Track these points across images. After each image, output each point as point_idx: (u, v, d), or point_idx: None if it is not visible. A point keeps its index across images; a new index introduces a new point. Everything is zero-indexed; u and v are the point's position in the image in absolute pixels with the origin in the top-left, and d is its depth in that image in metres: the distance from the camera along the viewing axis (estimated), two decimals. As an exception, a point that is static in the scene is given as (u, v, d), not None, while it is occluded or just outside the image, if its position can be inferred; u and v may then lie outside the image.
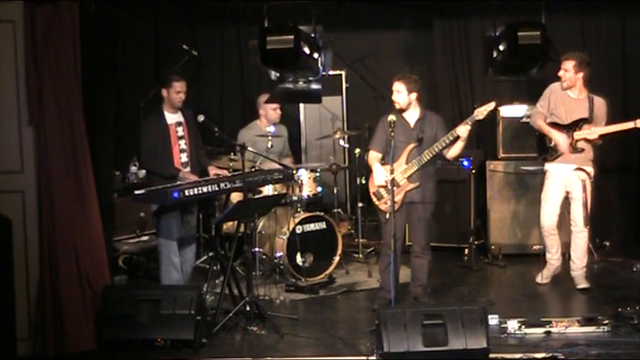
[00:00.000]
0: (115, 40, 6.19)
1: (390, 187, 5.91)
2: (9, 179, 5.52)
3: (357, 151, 8.07)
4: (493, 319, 5.73)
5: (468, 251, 7.86)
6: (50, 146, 5.52)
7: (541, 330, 5.68)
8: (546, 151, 6.84)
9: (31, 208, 5.55)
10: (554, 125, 6.78)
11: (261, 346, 5.66)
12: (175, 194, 5.86)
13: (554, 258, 6.96)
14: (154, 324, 5.58)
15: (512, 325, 5.72)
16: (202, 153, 6.78)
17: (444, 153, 6.23)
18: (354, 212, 8.29)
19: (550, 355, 5.26)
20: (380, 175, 6.19)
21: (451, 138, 6.12)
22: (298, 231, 7.21)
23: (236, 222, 6.50)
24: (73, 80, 5.60)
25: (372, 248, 8.06)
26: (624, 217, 8.48)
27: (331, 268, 7.35)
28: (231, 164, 7.29)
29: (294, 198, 7.36)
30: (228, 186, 6.25)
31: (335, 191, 7.98)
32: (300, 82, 6.86)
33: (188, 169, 6.47)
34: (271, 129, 7.68)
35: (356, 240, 8.01)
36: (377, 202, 6.30)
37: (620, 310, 5.82)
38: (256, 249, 7.25)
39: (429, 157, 6.16)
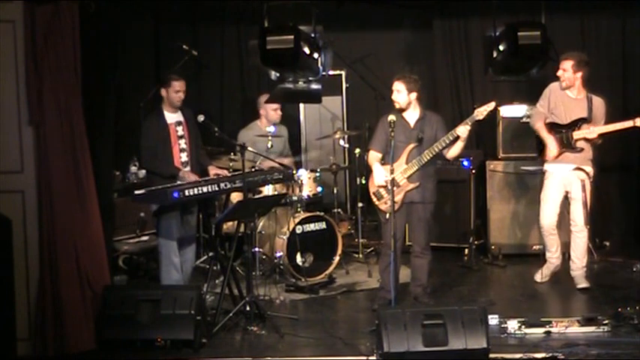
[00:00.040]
0: (115, 40, 6.20)
1: (390, 187, 5.91)
2: (9, 179, 5.52)
3: (357, 151, 8.07)
4: (493, 319, 5.73)
5: (468, 251, 7.86)
6: (50, 146, 5.52)
7: (541, 330, 5.68)
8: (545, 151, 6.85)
9: (31, 208, 5.55)
10: (554, 125, 6.79)
11: (261, 346, 5.66)
12: (175, 194, 5.86)
13: (553, 257, 6.96)
14: (154, 324, 5.58)
15: (512, 325, 5.72)
16: (202, 153, 6.78)
17: (444, 153, 6.23)
18: (354, 212, 8.29)
19: (550, 355, 5.26)
20: (380, 175, 6.19)
21: (451, 138, 6.12)
22: (298, 231, 7.21)
23: (236, 222, 6.50)
24: (73, 80, 5.60)
25: (372, 248, 8.06)
26: (624, 217, 8.49)
27: (331, 268, 7.35)
28: (231, 164, 7.29)
29: (294, 198, 7.36)
30: (228, 186, 6.25)
31: (335, 191, 7.98)
32: (300, 82, 6.86)
33: (188, 168, 6.48)
34: (271, 129, 7.68)
35: (356, 240, 8.01)
36: (377, 202, 6.30)
37: (620, 310, 5.82)
38: (256, 249, 7.25)
39: (429, 157, 6.16)
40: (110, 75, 6.19)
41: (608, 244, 8.18)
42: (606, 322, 5.71)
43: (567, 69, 6.67)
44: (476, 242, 7.90)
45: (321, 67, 6.65)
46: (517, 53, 6.29)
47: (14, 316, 5.23)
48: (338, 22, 8.25)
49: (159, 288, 6.11)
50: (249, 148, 6.43)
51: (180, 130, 6.50)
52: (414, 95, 6.22)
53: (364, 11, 8.85)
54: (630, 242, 8.27)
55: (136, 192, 6.07)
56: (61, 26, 5.49)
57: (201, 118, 6.32)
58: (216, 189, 6.18)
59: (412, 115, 6.28)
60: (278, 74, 6.77)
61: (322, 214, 7.47)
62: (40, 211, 5.54)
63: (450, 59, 8.70)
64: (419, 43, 9.03)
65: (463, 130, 6.09)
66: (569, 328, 5.70)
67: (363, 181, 7.85)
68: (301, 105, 8.94)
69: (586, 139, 6.70)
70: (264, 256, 7.38)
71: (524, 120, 7.72)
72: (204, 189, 6.06)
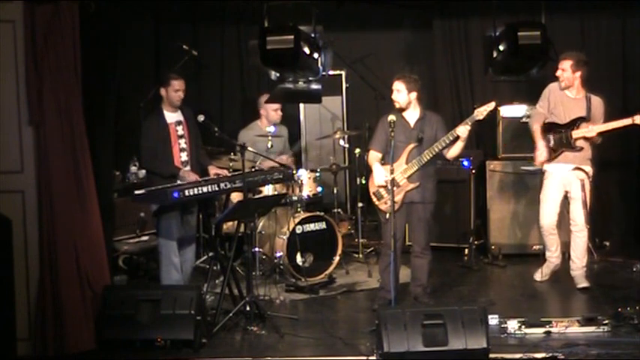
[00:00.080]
0: (115, 40, 6.19)
1: (390, 187, 5.91)
2: (9, 179, 5.52)
3: (357, 151, 8.07)
4: (493, 319, 5.73)
5: (468, 251, 7.86)
6: (50, 146, 5.52)
7: (541, 330, 5.68)
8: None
9: (31, 208, 5.55)
10: (553, 125, 6.80)
11: (261, 346, 5.66)
12: (175, 194, 5.86)
13: (553, 256, 6.97)
14: (154, 324, 5.58)
15: (512, 325, 5.72)
16: (202, 153, 6.78)
17: (443, 153, 6.23)
18: (354, 212, 8.29)
19: (550, 355, 5.26)
20: (380, 175, 6.19)
21: (451, 138, 6.12)
22: (298, 231, 7.21)
23: (236, 222, 6.50)
24: (73, 80, 5.60)
25: (372, 248, 8.06)
26: (624, 217, 8.49)
27: (331, 268, 7.35)
28: (231, 164, 7.29)
29: (294, 198, 7.36)
30: (228, 186, 6.25)
31: (335, 191, 7.98)
32: (300, 82, 6.86)
33: (188, 167, 6.47)
34: (271, 129, 7.68)
35: (356, 240, 8.01)
36: (377, 202, 6.30)
37: (620, 310, 5.82)
38: (256, 249, 7.25)
39: (429, 157, 6.16)
40: (110, 75, 6.18)
41: (608, 244, 8.18)
42: (606, 322, 5.72)
43: (566, 69, 6.68)
44: (476, 242, 7.90)
45: (321, 67, 6.64)
46: (517, 53, 6.28)
47: (14, 316, 5.23)
48: (338, 22, 8.25)
49: (159, 288, 6.11)
50: (249, 148, 6.43)
51: (180, 130, 6.50)
52: (414, 95, 6.22)
53: (364, 11, 8.85)
54: (630, 242, 8.27)
55: (136, 192, 6.07)
56: (61, 26, 5.49)
57: (201, 118, 6.33)
58: (216, 189, 6.18)
59: (412, 115, 6.28)
60: (278, 74, 6.76)
61: (322, 214, 7.47)
62: (40, 211, 5.54)
63: (450, 59, 8.70)
64: (419, 43, 9.03)
65: (463, 130, 6.09)
66: (569, 328, 5.70)
67: (363, 181, 7.85)
68: (301, 105, 8.93)
69: (585, 138, 6.70)
70: (264, 256, 7.38)
71: (524, 120, 7.72)
72: (204, 189, 6.06)
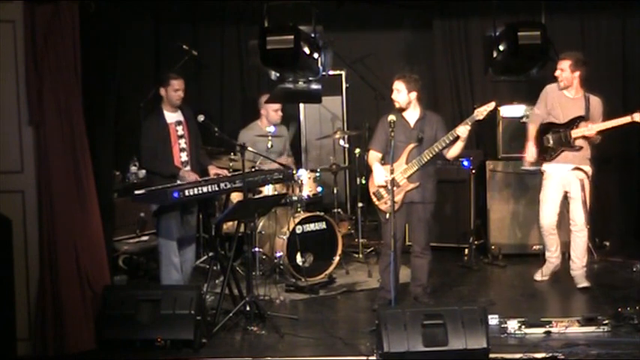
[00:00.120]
0: (115, 40, 6.19)
1: (390, 187, 5.91)
2: (9, 179, 5.52)
3: (357, 151, 8.07)
4: (493, 319, 5.73)
5: (468, 251, 7.86)
6: (50, 146, 5.52)
7: (541, 330, 5.68)
8: (545, 151, 6.85)
9: (31, 208, 5.55)
10: (552, 124, 6.80)
11: (261, 346, 5.66)
12: (175, 194, 5.86)
13: (553, 256, 6.97)
14: (154, 324, 5.57)
15: (512, 325, 5.72)
16: (202, 153, 6.78)
17: (443, 153, 6.23)
18: (354, 212, 8.29)
19: (550, 355, 5.26)
20: (380, 175, 6.18)
21: (451, 138, 6.12)
22: (298, 231, 7.21)
23: (236, 222, 6.50)
24: (73, 80, 5.60)
25: (372, 248, 8.06)
26: (624, 217, 8.49)
27: (331, 268, 7.35)
28: (231, 164, 7.29)
29: (294, 198, 7.36)
30: (228, 186, 6.25)
31: (335, 191, 7.98)
32: (300, 82, 6.86)
33: (188, 168, 6.47)
34: (271, 129, 7.68)
35: (356, 240, 8.01)
36: (377, 202, 6.30)
37: (620, 310, 5.82)
38: (256, 249, 7.25)
39: (429, 157, 6.16)
40: (110, 75, 6.18)
41: (608, 244, 8.18)
42: (606, 322, 5.71)
43: (565, 69, 6.69)
44: (476, 242, 7.90)
45: (321, 67, 6.64)
46: (517, 53, 6.28)
47: (14, 316, 5.23)
48: (338, 22, 8.25)
49: (159, 288, 6.11)
50: (249, 148, 6.43)
51: (180, 130, 6.50)
52: (414, 95, 6.22)
53: (364, 11, 8.85)
54: (630, 242, 8.27)
55: (136, 192, 6.07)
56: (61, 26, 5.49)
57: (201, 118, 6.32)
58: (216, 189, 6.18)
59: (412, 115, 6.28)
60: (278, 74, 6.77)
61: (322, 214, 7.47)
62: (40, 211, 5.54)
63: (450, 59, 8.71)
64: (419, 43, 9.03)
65: (463, 130, 6.09)
66: (569, 328, 5.70)
67: (363, 181, 7.85)
68: (301, 105, 8.94)
69: (585, 138, 6.71)
70: (264, 256, 7.38)
71: (524, 120, 7.72)
72: (204, 189, 6.06)
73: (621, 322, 5.72)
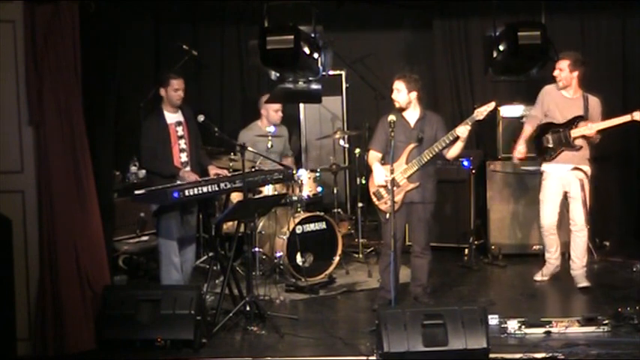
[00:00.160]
0: (115, 40, 6.19)
1: (390, 187, 5.91)
2: (9, 179, 5.52)
3: (357, 151, 8.07)
4: (493, 319, 5.73)
5: (468, 251, 7.86)
6: (50, 146, 5.52)
7: (541, 330, 5.68)
8: (545, 151, 6.85)
9: (31, 208, 5.55)
10: (551, 125, 6.80)
11: (261, 346, 5.66)
12: (175, 194, 5.86)
13: (553, 257, 6.97)
14: (154, 324, 5.57)
15: (512, 325, 5.72)
16: (202, 153, 6.78)
17: (443, 153, 6.23)
18: (354, 212, 8.29)
19: (550, 355, 5.26)
20: (380, 175, 6.18)
21: (451, 138, 6.12)
22: (298, 231, 7.21)
23: (236, 222, 6.50)
24: (73, 80, 5.60)
25: (372, 248, 8.06)
26: (624, 217, 8.49)
27: (331, 268, 7.35)
28: (231, 164, 7.29)
29: (294, 198, 7.36)
30: (228, 186, 6.25)
31: (335, 191, 7.98)
32: (300, 82, 6.86)
33: (188, 168, 6.47)
34: (271, 129, 7.68)
35: (356, 240, 8.01)
36: (377, 202, 6.30)
37: (620, 310, 5.82)
38: (256, 249, 7.25)
39: (429, 157, 6.16)
40: (110, 75, 6.18)
41: (608, 244, 8.18)
42: (606, 322, 5.71)
43: (564, 68, 6.69)
44: (476, 242, 7.90)
45: (321, 67, 6.65)
46: (517, 53, 6.29)
47: (14, 316, 5.23)
48: (338, 22, 8.25)
49: (159, 288, 6.11)
50: (249, 148, 6.43)
51: (180, 130, 6.50)
52: (414, 95, 6.22)
53: (364, 11, 8.85)
54: (630, 242, 8.27)
55: (136, 192, 6.07)
56: (61, 26, 5.48)
57: (201, 118, 6.32)
58: (216, 189, 6.18)
59: (412, 114, 6.28)
60: (278, 74, 6.77)
61: (322, 214, 7.47)
62: (40, 211, 5.54)
63: (450, 59, 8.71)
64: (419, 43, 9.03)
65: (463, 130, 6.09)
66: (569, 328, 5.70)
67: (363, 181, 7.85)
68: (301, 105, 8.94)
69: (584, 137, 6.71)
70: (264, 256, 7.38)
71: (523, 120, 7.71)
72: (204, 189, 6.06)
73: (621, 322, 5.72)
